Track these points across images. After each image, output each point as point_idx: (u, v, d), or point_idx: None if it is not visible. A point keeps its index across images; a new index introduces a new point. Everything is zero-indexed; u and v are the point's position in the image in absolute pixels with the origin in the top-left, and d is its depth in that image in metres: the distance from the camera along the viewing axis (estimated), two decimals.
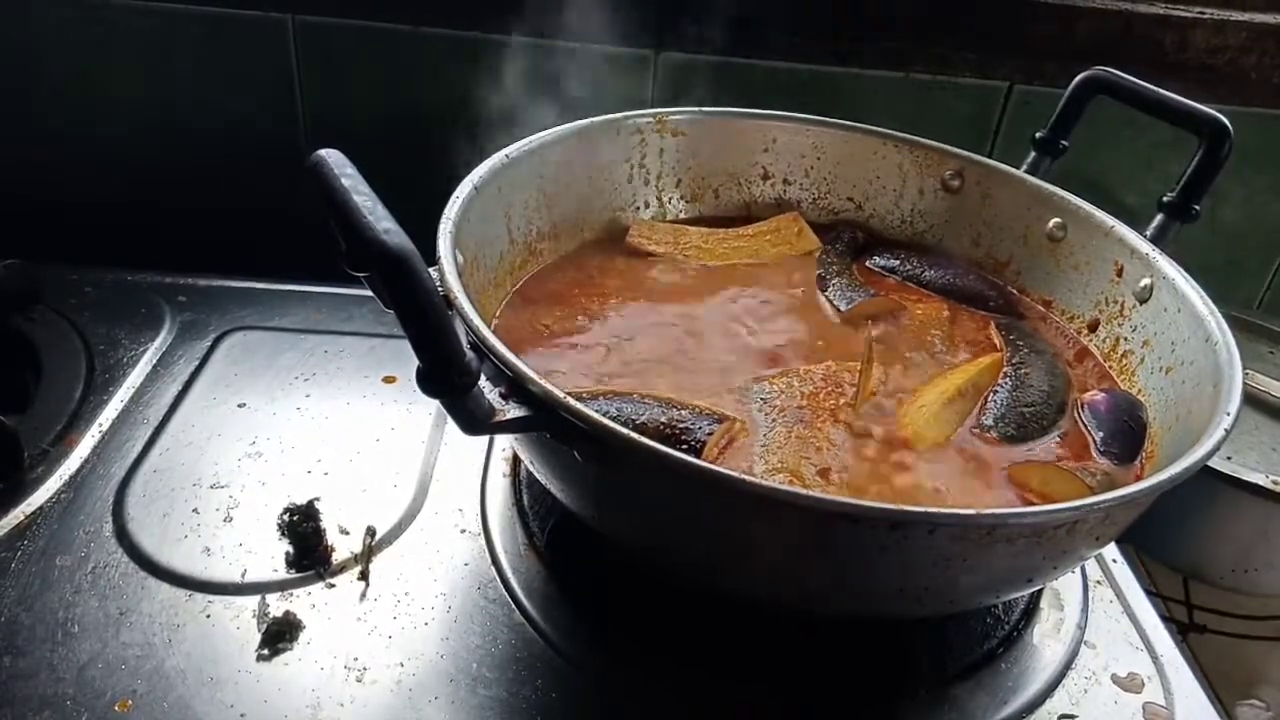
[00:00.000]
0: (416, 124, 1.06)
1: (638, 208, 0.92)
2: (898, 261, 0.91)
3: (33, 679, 0.59)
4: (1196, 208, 0.81)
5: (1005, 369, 0.76)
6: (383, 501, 0.75)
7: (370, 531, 0.72)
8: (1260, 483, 0.89)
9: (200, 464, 0.76)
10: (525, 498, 0.76)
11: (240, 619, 0.64)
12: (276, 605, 0.65)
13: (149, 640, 0.62)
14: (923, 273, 0.89)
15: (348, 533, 0.72)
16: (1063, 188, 0.86)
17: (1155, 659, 0.70)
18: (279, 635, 0.63)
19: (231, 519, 0.72)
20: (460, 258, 0.65)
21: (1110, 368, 0.80)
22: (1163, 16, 1.03)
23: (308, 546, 0.69)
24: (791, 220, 0.93)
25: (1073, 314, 0.85)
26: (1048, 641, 0.70)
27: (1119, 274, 0.80)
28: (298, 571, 0.68)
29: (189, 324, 0.92)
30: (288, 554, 0.69)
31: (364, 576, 0.68)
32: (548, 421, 0.54)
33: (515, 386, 0.54)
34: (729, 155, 0.94)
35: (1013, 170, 0.89)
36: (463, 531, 0.73)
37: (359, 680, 0.61)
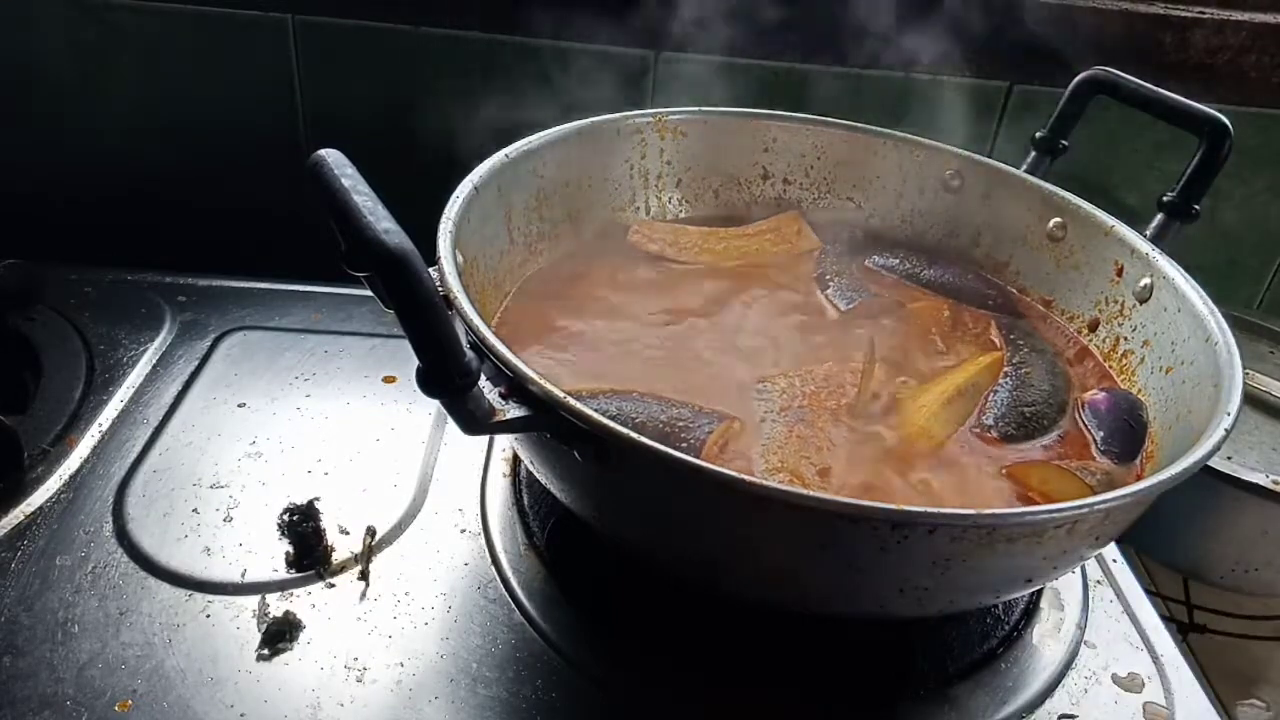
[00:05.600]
0: (417, 124, 1.06)
1: (637, 208, 0.92)
2: (898, 261, 0.91)
3: (33, 679, 0.59)
4: (1196, 207, 0.81)
5: (1006, 368, 0.76)
6: (383, 501, 0.75)
7: (370, 531, 0.72)
8: (1260, 483, 0.89)
9: (200, 464, 0.76)
10: (525, 498, 0.76)
11: (240, 619, 0.64)
12: (276, 605, 0.65)
13: (149, 640, 0.62)
14: (923, 272, 0.89)
15: (348, 533, 0.72)
16: (1063, 188, 0.86)
17: (1155, 659, 0.69)
18: (279, 635, 0.63)
19: (231, 519, 0.72)
20: (460, 258, 0.65)
21: (1110, 367, 0.80)
22: (1163, 16, 1.03)
23: (308, 546, 0.69)
24: (791, 219, 0.93)
25: (1073, 314, 0.85)
26: (1048, 641, 0.70)
27: (1119, 274, 0.80)
28: (298, 571, 0.68)
29: (189, 324, 0.92)
30: (288, 554, 0.69)
31: (364, 576, 0.68)
32: (548, 421, 0.54)
33: (515, 386, 0.54)
34: (729, 155, 0.94)
35: (1013, 170, 0.89)
36: (463, 531, 0.73)
37: (359, 680, 0.61)
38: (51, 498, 0.72)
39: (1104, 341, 0.81)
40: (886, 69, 1.05)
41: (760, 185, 0.96)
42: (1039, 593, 0.74)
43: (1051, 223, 0.86)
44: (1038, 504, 0.63)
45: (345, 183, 0.50)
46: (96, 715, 0.57)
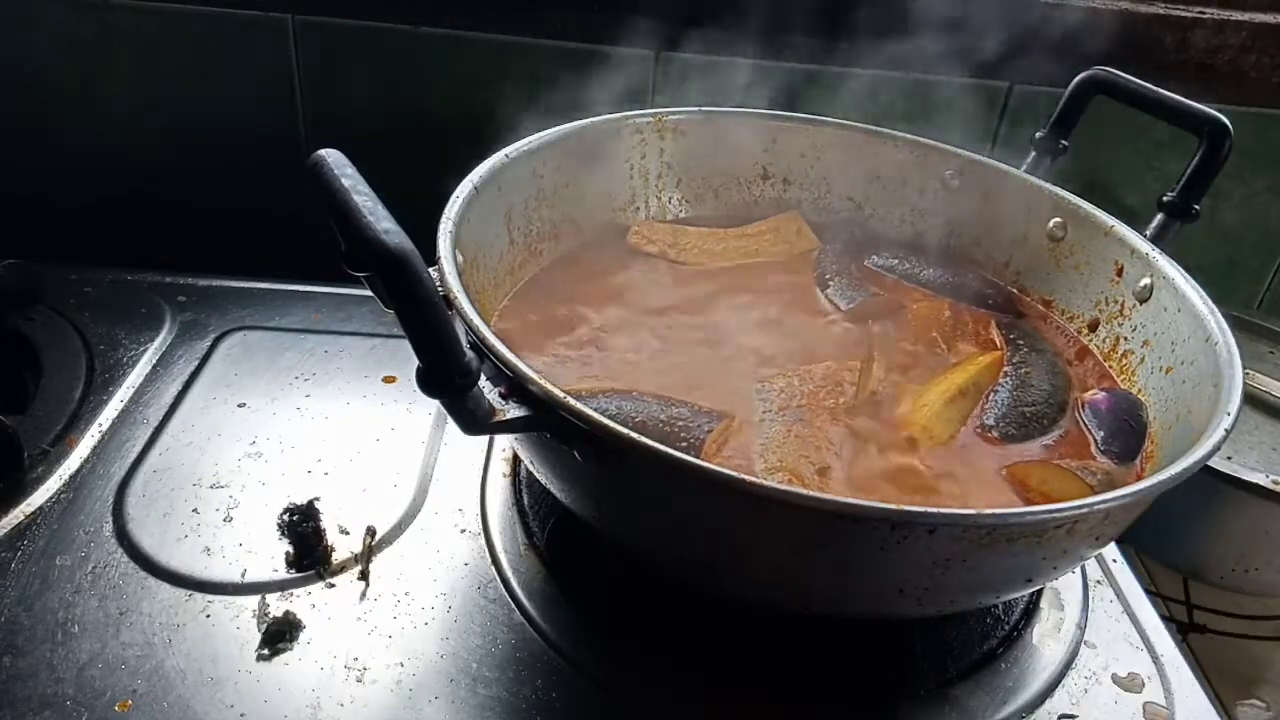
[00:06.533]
0: (416, 124, 1.06)
1: (638, 208, 0.92)
2: (898, 261, 0.90)
3: (33, 679, 0.59)
4: (1196, 207, 0.81)
5: (1006, 368, 0.76)
6: (383, 501, 0.75)
7: (370, 531, 0.72)
8: (1260, 483, 0.89)
9: (200, 464, 0.76)
10: (525, 498, 0.76)
11: (240, 619, 0.64)
12: (276, 605, 0.65)
13: (149, 640, 0.62)
14: (922, 272, 0.89)
15: (348, 533, 0.72)
16: (1063, 188, 0.86)
17: (1155, 659, 0.69)
18: (279, 635, 0.63)
19: (231, 519, 0.72)
20: (460, 258, 0.65)
21: (1110, 367, 0.80)
22: (1163, 16, 1.03)
23: (308, 546, 0.69)
24: (791, 219, 0.93)
25: (1073, 314, 0.85)
26: (1048, 641, 0.70)
27: (1119, 274, 0.80)
28: (298, 571, 0.68)
29: (189, 324, 0.92)
30: (288, 554, 0.69)
31: (364, 576, 0.68)
32: (547, 421, 0.54)
33: (515, 386, 0.54)
34: (729, 155, 0.94)
35: (1013, 170, 0.89)
36: (463, 531, 0.73)
37: (359, 680, 0.61)
38: (51, 498, 0.72)
39: (1104, 341, 0.81)
40: (887, 69, 1.05)
41: (760, 185, 0.96)
42: (1039, 593, 0.74)
43: (1051, 223, 0.86)
44: (1038, 504, 0.63)
45: (345, 183, 0.50)
46: (96, 715, 0.57)
